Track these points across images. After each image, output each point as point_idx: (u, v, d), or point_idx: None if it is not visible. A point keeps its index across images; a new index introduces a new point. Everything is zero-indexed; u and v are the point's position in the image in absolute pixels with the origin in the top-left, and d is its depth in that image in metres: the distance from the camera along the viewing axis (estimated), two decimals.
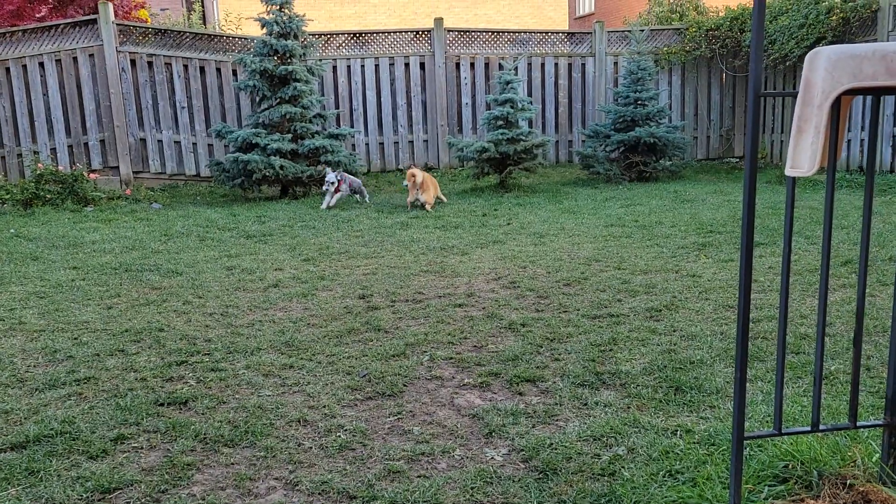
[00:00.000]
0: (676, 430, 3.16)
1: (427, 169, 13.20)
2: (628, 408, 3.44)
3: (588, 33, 13.72)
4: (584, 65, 13.61)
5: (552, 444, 3.11)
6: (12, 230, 8.31)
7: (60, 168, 10.52)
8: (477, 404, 3.60)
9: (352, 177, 10.44)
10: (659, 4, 16.23)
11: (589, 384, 3.75)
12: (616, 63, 13.64)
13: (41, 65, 11.53)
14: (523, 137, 10.90)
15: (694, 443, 3.03)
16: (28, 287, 5.96)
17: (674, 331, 4.51)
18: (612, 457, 2.96)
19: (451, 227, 8.32)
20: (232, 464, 3.06)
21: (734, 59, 13.55)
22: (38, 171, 10.11)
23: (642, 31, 12.68)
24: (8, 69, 11.48)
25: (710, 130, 13.94)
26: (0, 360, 4.24)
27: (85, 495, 2.79)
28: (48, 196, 9.92)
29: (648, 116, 11.54)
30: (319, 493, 2.81)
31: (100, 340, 4.61)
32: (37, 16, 13.76)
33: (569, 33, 13.82)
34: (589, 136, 12.22)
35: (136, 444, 3.22)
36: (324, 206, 9.89)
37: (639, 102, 11.59)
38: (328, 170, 10.26)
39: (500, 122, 10.90)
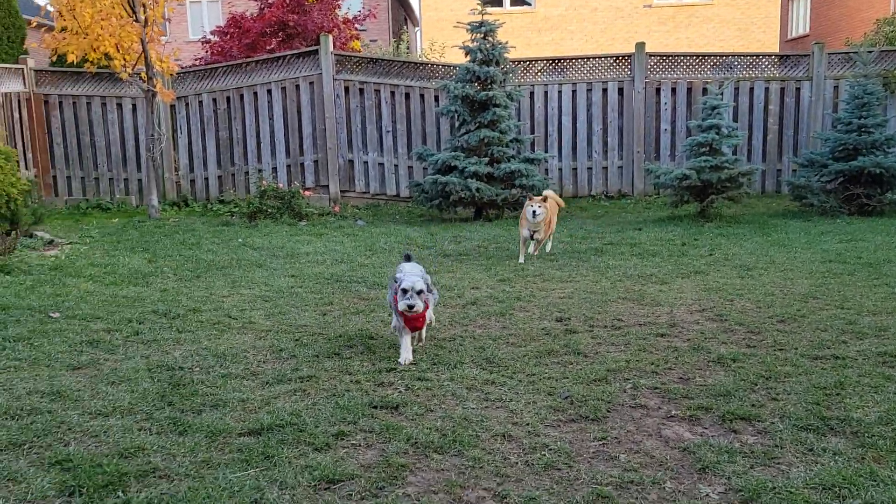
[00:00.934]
0: None
1: (621, 196, 12.97)
2: (863, 458, 3.14)
3: (804, 55, 12.83)
4: (798, 89, 12.73)
5: (774, 487, 2.91)
6: (240, 239, 9.24)
7: (280, 185, 11.56)
8: (687, 437, 3.46)
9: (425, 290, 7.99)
10: (889, 24, 14.82)
11: (814, 429, 3.47)
12: (836, 87, 12.62)
13: (269, 91, 12.80)
14: (728, 165, 10.38)
15: None
16: (255, 291, 6.59)
17: None
18: None
19: (648, 255, 8.09)
20: (442, 469, 3.17)
21: None
22: (262, 188, 11.19)
23: (870, 52, 11.64)
24: (242, 95, 12.86)
25: None
26: (236, 354, 4.72)
27: (312, 483, 3.02)
28: (269, 210, 10.93)
29: (874, 144, 10.54)
30: None
31: (318, 343, 4.98)
32: (268, 48, 15.31)
33: (781, 56, 13.01)
34: (802, 164, 11.37)
35: (354, 442, 3.44)
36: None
37: (863, 129, 10.62)
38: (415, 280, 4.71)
39: (704, 149, 10.47)
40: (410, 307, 4.44)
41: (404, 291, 4.45)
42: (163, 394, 3.98)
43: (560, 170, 13.07)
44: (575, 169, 13.09)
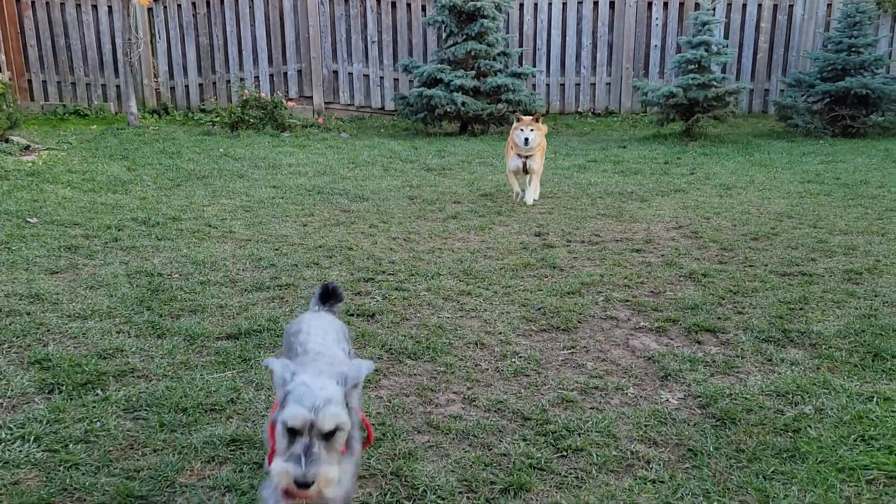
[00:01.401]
0: (872, 397, 2.97)
1: (608, 114, 12.85)
2: (818, 368, 3.27)
3: None
4: (791, 6, 12.47)
5: (732, 394, 3.04)
6: (221, 149, 9.13)
7: (262, 95, 11.34)
8: (653, 348, 3.57)
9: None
10: None
11: (774, 340, 3.59)
12: (830, 5, 12.38)
13: None
14: (715, 83, 10.28)
15: (893, 411, 2.83)
16: (235, 201, 6.57)
17: (875, 295, 4.17)
18: (798, 414, 2.84)
19: (631, 173, 8.10)
20: (414, 374, 3.27)
21: None
22: (244, 98, 10.96)
23: None
24: (223, 0, 12.42)
25: None
26: (215, 262, 4.75)
27: None
28: (251, 120, 10.76)
29: (863, 65, 10.44)
30: (495, 411, 2.95)
31: (297, 253, 5.02)
32: None
33: None
34: (790, 84, 11.28)
35: None
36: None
37: (853, 49, 10.49)
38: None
39: (692, 67, 10.33)
40: (302, 484, 1.71)
41: (291, 435, 1.77)
42: (141, 299, 4.03)
43: (547, 85, 12.87)
44: (562, 85, 12.90)
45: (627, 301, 4.18)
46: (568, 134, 11.42)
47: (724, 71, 12.09)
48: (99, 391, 2.95)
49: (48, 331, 3.54)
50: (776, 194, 6.96)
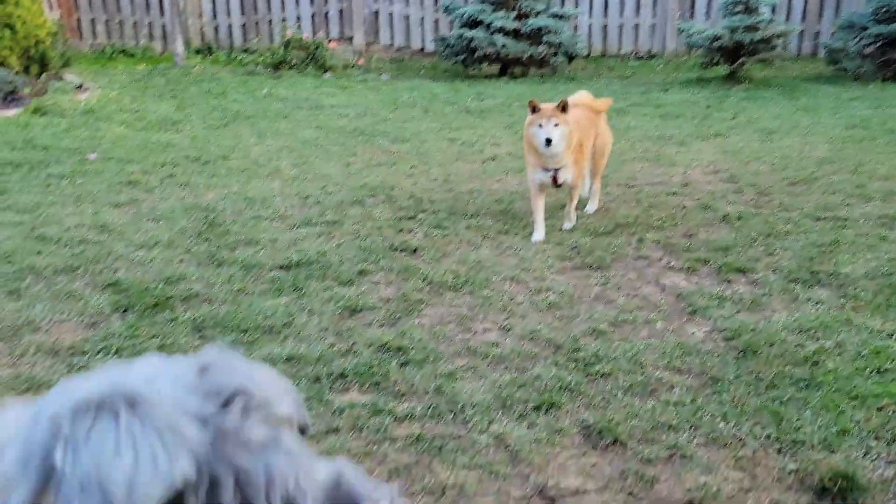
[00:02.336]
0: (893, 334, 3.10)
1: (650, 56, 12.66)
2: (842, 307, 3.40)
3: None
4: None
5: (756, 329, 3.20)
6: (265, 90, 9.31)
7: (305, 36, 11.43)
8: (682, 286, 3.73)
9: None
10: None
11: (802, 281, 3.72)
12: None
13: None
14: (763, 25, 10.05)
15: None
16: (281, 141, 6.78)
17: None
18: (818, 348, 3.00)
19: (671, 117, 8.09)
20: (454, 305, 3.49)
21: None
22: (286, 38, 11.07)
23: None
24: None
25: None
26: (264, 199, 4.99)
27: (337, 311, 3.36)
28: (293, 61, 10.88)
29: None
30: (529, 339, 3.16)
31: (342, 191, 5.23)
32: None
33: None
34: (842, 26, 10.96)
35: (375, 279, 3.76)
36: None
37: None
38: None
39: (739, 8, 10.10)
40: None
41: None
42: (199, 231, 4.29)
43: (589, 27, 12.69)
44: (605, 26, 12.70)
45: (660, 242, 4.32)
46: (609, 77, 11.33)
47: (773, 12, 11.76)
48: (167, 312, 3.23)
49: (117, 258, 3.83)
50: (819, 139, 6.92)
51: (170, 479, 0.62)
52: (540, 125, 4.23)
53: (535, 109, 4.29)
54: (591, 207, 4.87)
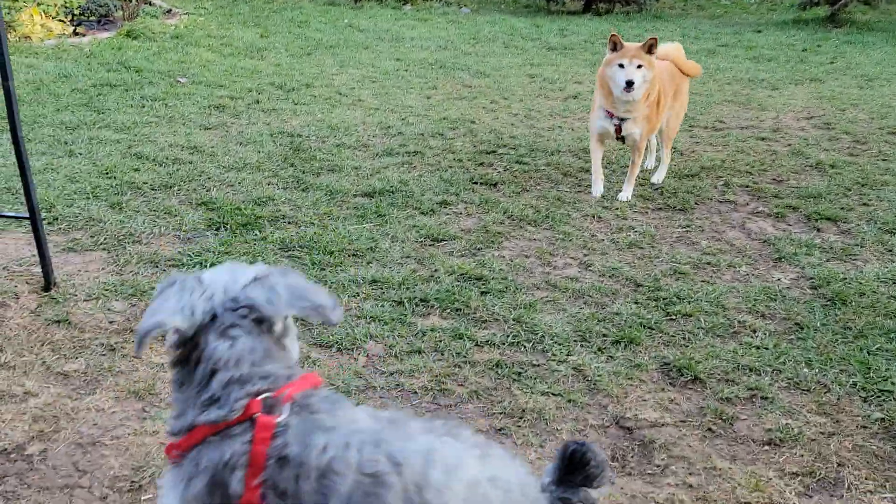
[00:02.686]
0: None
1: None
2: None
3: None
4: None
5: (846, 279, 3.12)
6: (346, 20, 9.30)
7: None
8: (769, 231, 3.64)
9: None
10: None
11: None
12: None
13: None
14: None
15: None
16: (362, 71, 6.81)
17: None
18: None
19: (764, 60, 7.73)
20: (534, 239, 3.51)
21: None
22: None
23: None
24: None
25: None
26: (347, 127, 5.06)
27: (419, 239, 3.42)
28: None
29: None
30: (609, 276, 3.16)
31: (423, 123, 5.25)
32: None
33: None
34: None
35: (456, 210, 3.80)
36: None
37: None
38: None
39: None
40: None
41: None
42: (285, 156, 4.40)
43: None
44: None
45: (747, 187, 4.21)
46: (698, 16, 10.86)
47: None
48: (257, 231, 3.36)
49: (209, 178, 3.97)
50: None
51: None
52: (621, 65, 3.76)
53: (616, 46, 3.80)
54: (659, 177, 4.28)
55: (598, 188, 4.09)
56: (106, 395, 2.20)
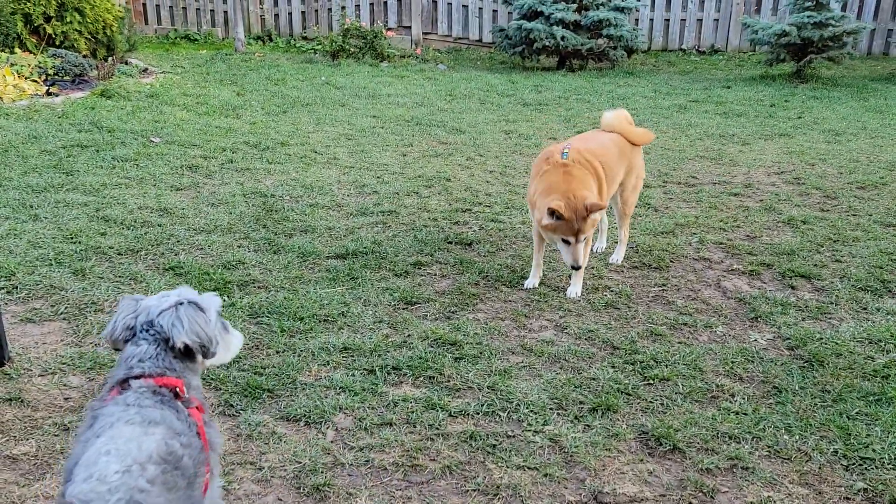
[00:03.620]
0: None
1: (713, 52, 12.33)
2: None
3: None
4: None
5: (822, 338, 3.09)
6: (323, 78, 9.38)
7: (363, 24, 11.47)
8: (744, 290, 3.62)
9: None
10: None
11: (872, 290, 3.58)
12: None
13: None
14: (833, 22, 9.70)
15: None
16: (338, 129, 6.83)
17: None
18: (889, 361, 2.88)
19: (734, 115, 7.88)
20: (509, 301, 3.46)
21: None
22: (346, 26, 11.13)
23: None
24: None
25: None
26: (322, 186, 5.03)
27: (392, 303, 3.36)
28: (351, 49, 10.94)
29: None
30: (585, 339, 3.11)
31: (398, 182, 5.23)
32: None
33: None
34: None
35: (430, 271, 3.75)
36: None
37: None
38: None
39: (809, 3, 9.77)
40: None
41: None
42: (257, 217, 4.34)
43: (651, 20, 12.44)
44: (667, 20, 12.43)
45: (722, 244, 4.21)
46: (669, 72, 11.09)
47: (844, 8, 11.37)
48: (226, 297, 3.28)
49: (178, 242, 3.90)
50: (889, 142, 6.66)
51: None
52: (566, 241, 3.35)
53: (558, 216, 3.28)
54: (618, 258, 3.96)
55: (534, 280, 3.65)
56: (57, 481, 2.08)
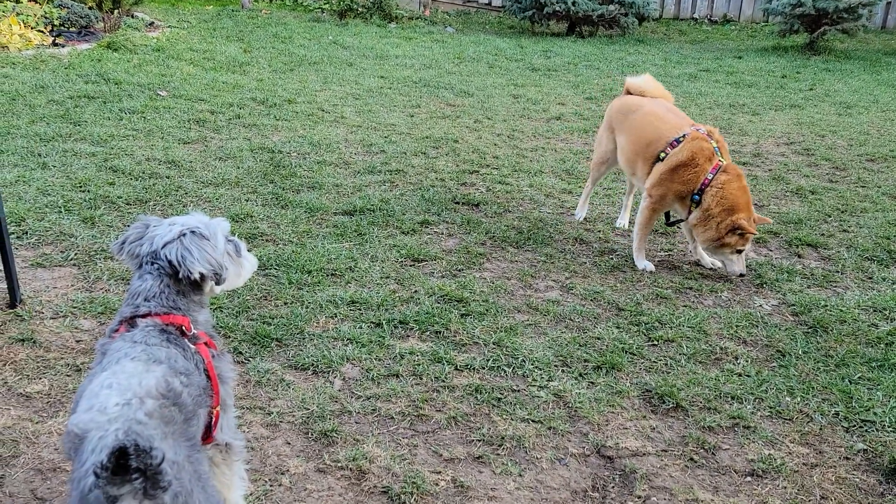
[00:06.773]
0: None
1: (725, 21, 12.18)
2: None
3: None
4: None
5: (827, 305, 3.11)
6: (330, 37, 9.28)
7: None
8: (751, 257, 3.63)
9: None
10: None
11: (878, 259, 3.59)
12: None
13: None
14: None
15: None
16: (346, 88, 6.78)
17: None
18: (893, 329, 2.90)
19: (744, 85, 7.81)
20: (516, 261, 3.47)
21: None
22: None
23: None
24: None
25: None
26: (329, 144, 5.01)
27: (399, 259, 3.37)
28: (359, 9, 10.81)
29: None
30: (591, 300, 3.13)
31: (405, 142, 5.21)
32: None
33: None
34: None
35: (437, 230, 3.75)
36: None
37: None
38: None
39: None
40: None
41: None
42: (265, 172, 4.34)
43: None
44: None
45: None
46: (680, 41, 10.97)
47: None
48: None
49: (186, 193, 3.90)
50: None
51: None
52: (739, 251, 3.33)
53: (742, 232, 3.28)
54: (624, 222, 4.03)
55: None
56: (68, 419, 2.11)
